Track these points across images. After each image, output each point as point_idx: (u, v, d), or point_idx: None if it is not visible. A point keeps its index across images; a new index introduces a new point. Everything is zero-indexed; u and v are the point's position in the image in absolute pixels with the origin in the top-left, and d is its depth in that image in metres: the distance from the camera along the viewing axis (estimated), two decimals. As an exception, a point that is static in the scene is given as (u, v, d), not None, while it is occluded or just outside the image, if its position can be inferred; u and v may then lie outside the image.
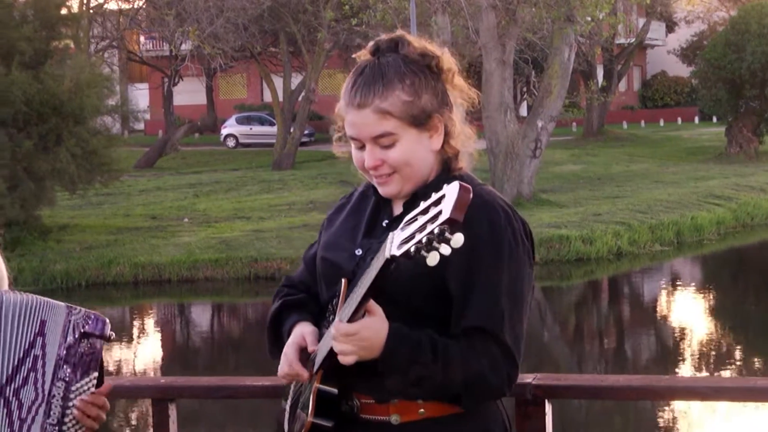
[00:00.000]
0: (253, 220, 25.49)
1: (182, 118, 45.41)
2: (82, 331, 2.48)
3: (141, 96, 47.03)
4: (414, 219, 2.15)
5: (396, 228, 2.25)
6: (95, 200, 28.44)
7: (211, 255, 21.52)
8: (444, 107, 2.51)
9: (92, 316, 2.52)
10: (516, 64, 28.68)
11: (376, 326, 2.36)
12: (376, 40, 2.56)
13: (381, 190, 2.54)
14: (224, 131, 46.40)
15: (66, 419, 2.47)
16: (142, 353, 17.30)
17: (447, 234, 2.09)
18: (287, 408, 2.63)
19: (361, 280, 2.31)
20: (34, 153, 22.28)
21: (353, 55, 2.58)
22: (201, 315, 20.71)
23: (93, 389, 2.51)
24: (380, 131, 2.46)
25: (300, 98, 38.66)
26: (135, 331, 19.08)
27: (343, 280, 2.49)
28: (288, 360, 2.53)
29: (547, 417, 3.02)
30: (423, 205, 2.15)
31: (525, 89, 42.16)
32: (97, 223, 25.83)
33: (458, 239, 2.09)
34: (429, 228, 2.10)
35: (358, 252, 2.54)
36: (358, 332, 2.34)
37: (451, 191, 2.12)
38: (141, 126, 48.23)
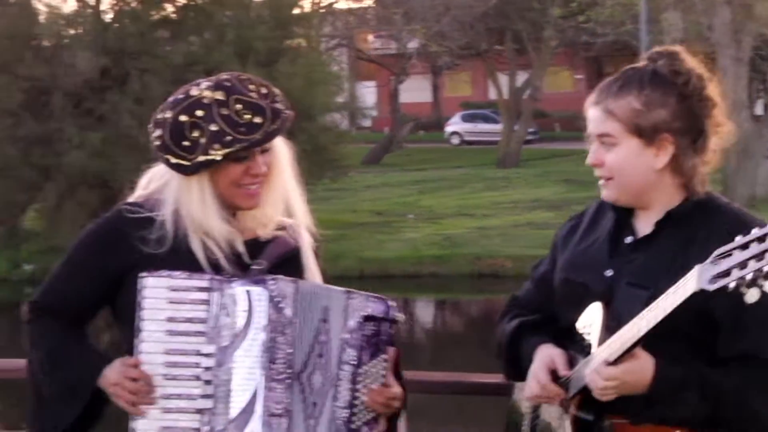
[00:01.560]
0: (477, 217, 25.54)
1: (408, 115, 45.95)
2: (364, 314, 2.53)
3: (368, 93, 47.89)
4: (728, 254, 2.12)
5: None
6: (323, 195, 29.09)
7: (435, 251, 21.70)
8: (683, 133, 2.45)
9: (373, 299, 2.56)
10: (752, 61, 27.67)
11: (639, 369, 2.32)
12: (654, 49, 2.56)
13: (602, 193, 2.53)
14: (449, 129, 46.70)
15: (356, 402, 2.51)
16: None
17: None
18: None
19: (643, 314, 2.26)
20: (267, 149, 23.01)
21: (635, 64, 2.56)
22: (425, 310, 20.91)
23: (383, 372, 2.53)
24: (602, 130, 2.48)
25: (525, 96, 38.48)
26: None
27: (600, 305, 2.44)
28: (541, 382, 2.49)
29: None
30: (740, 240, 2.11)
31: (761, 87, 40.59)
32: (325, 217, 26.14)
33: None
34: (754, 265, 2.06)
35: (608, 273, 2.49)
36: (621, 377, 2.31)
37: None
38: (368, 123, 49.11)
